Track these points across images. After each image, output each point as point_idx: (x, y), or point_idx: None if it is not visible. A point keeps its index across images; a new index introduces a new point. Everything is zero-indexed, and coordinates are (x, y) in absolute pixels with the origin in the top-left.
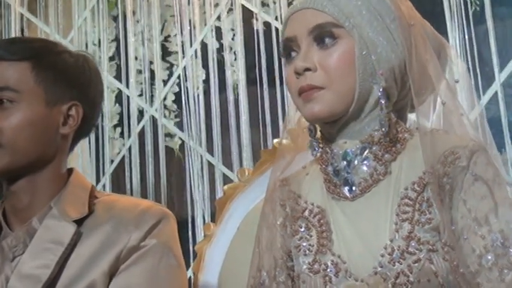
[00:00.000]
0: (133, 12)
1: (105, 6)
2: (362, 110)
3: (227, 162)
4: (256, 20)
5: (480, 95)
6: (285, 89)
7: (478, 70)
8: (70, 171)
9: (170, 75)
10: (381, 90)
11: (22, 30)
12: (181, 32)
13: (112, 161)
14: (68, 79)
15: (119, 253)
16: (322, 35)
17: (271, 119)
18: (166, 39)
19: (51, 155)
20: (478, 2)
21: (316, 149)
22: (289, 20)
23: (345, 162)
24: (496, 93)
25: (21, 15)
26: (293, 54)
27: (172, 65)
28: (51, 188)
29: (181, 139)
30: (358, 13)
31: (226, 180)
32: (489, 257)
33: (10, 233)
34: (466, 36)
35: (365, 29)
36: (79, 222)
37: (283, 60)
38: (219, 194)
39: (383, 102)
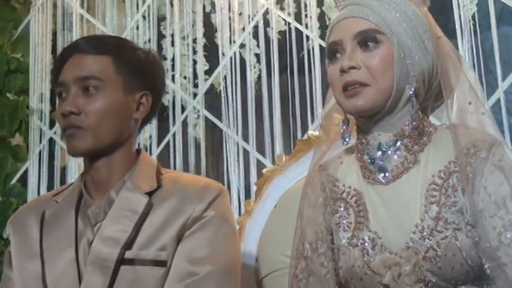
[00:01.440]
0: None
1: (155, 10)
2: (396, 106)
3: (260, 149)
4: (290, 29)
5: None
6: (314, 86)
7: (483, 79)
8: (138, 151)
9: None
10: (412, 90)
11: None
12: (222, 36)
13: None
14: (141, 71)
15: (185, 222)
16: (366, 40)
17: (300, 112)
18: (208, 40)
19: (125, 137)
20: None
21: (348, 139)
22: (335, 26)
23: (379, 152)
24: (498, 99)
25: (81, 16)
26: (338, 55)
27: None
28: (125, 165)
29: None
30: (397, 23)
31: (259, 165)
32: (508, 235)
33: (92, 202)
34: (474, 50)
35: (402, 36)
36: (150, 194)
37: (326, 61)
38: (253, 176)
39: (414, 100)
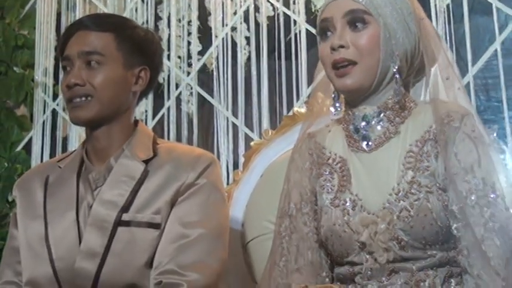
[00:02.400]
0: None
1: None
2: (381, 84)
3: (248, 124)
4: (278, 14)
5: None
6: (299, 67)
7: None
8: (136, 122)
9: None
10: (396, 67)
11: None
12: (215, 19)
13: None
14: (140, 48)
15: (179, 188)
16: (355, 20)
17: (286, 91)
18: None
19: (124, 108)
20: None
21: (338, 109)
22: (327, 6)
23: (364, 123)
24: (468, 83)
25: None
26: (328, 33)
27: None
28: (123, 135)
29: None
30: (384, 5)
31: (247, 138)
32: (472, 198)
33: (93, 168)
34: (448, 37)
35: (388, 18)
36: (146, 162)
37: (318, 38)
38: (241, 149)
39: (398, 77)
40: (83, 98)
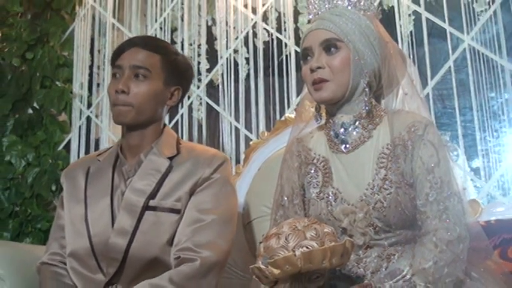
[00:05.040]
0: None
1: (169, 22)
2: (353, 96)
3: (248, 127)
4: (272, 39)
5: None
6: (290, 81)
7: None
8: (164, 126)
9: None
10: (365, 83)
11: (113, 35)
12: (220, 43)
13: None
14: (179, 72)
15: (197, 181)
16: (329, 46)
17: (279, 100)
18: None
19: (158, 117)
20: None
21: (319, 119)
22: (307, 36)
23: (342, 129)
24: (428, 94)
25: (113, 25)
26: (309, 58)
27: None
28: (153, 135)
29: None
30: (353, 33)
31: (247, 139)
32: (432, 194)
33: (126, 162)
34: (411, 57)
35: (357, 43)
36: (170, 158)
37: (301, 62)
38: (242, 147)
39: (367, 90)
40: (125, 107)
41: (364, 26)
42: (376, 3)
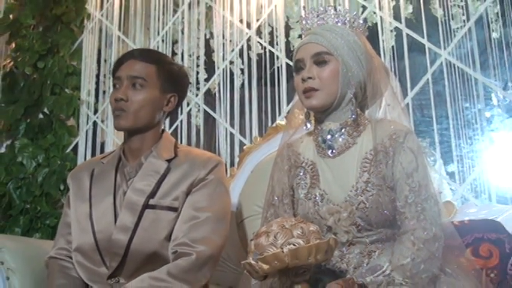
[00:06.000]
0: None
1: (170, 35)
2: (340, 105)
3: (242, 133)
4: (265, 52)
5: None
6: (281, 91)
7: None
8: (162, 131)
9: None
10: (352, 93)
11: (119, 46)
12: (217, 55)
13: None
14: (174, 80)
15: (193, 181)
16: (320, 59)
17: (271, 108)
18: (207, 58)
19: (156, 122)
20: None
21: (309, 125)
22: (299, 49)
23: (329, 135)
24: (408, 103)
25: (119, 37)
26: (301, 69)
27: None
28: (153, 140)
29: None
30: (341, 47)
31: (241, 143)
32: (410, 197)
33: (128, 164)
34: (392, 70)
35: (345, 56)
36: (168, 161)
37: (294, 73)
38: (236, 151)
39: (353, 101)
40: (124, 112)
41: (352, 41)
42: (361, 20)
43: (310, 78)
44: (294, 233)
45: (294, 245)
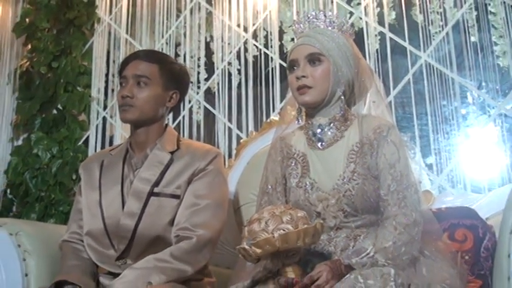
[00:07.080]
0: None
1: (173, 38)
2: (330, 101)
3: (239, 127)
4: (260, 54)
5: None
6: (274, 89)
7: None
8: (166, 125)
9: (209, 79)
10: (341, 91)
11: (126, 48)
12: (217, 57)
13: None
14: (176, 78)
15: (194, 171)
16: (313, 59)
17: (265, 105)
18: (207, 59)
19: (159, 116)
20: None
21: (300, 120)
22: (294, 50)
23: (319, 129)
24: (390, 102)
25: (126, 40)
26: (295, 68)
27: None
28: (157, 134)
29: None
30: (332, 49)
31: (238, 137)
32: (393, 185)
33: (134, 155)
34: (377, 71)
35: (336, 57)
36: (172, 153)
37: (288, 72)
38: (234, 144)
39: (342, 98)
40: (130, 107)
41: (342, 43)
42: (349, 25)
43: (304, 76)
44: (283, 219)
45: (284, 230)
